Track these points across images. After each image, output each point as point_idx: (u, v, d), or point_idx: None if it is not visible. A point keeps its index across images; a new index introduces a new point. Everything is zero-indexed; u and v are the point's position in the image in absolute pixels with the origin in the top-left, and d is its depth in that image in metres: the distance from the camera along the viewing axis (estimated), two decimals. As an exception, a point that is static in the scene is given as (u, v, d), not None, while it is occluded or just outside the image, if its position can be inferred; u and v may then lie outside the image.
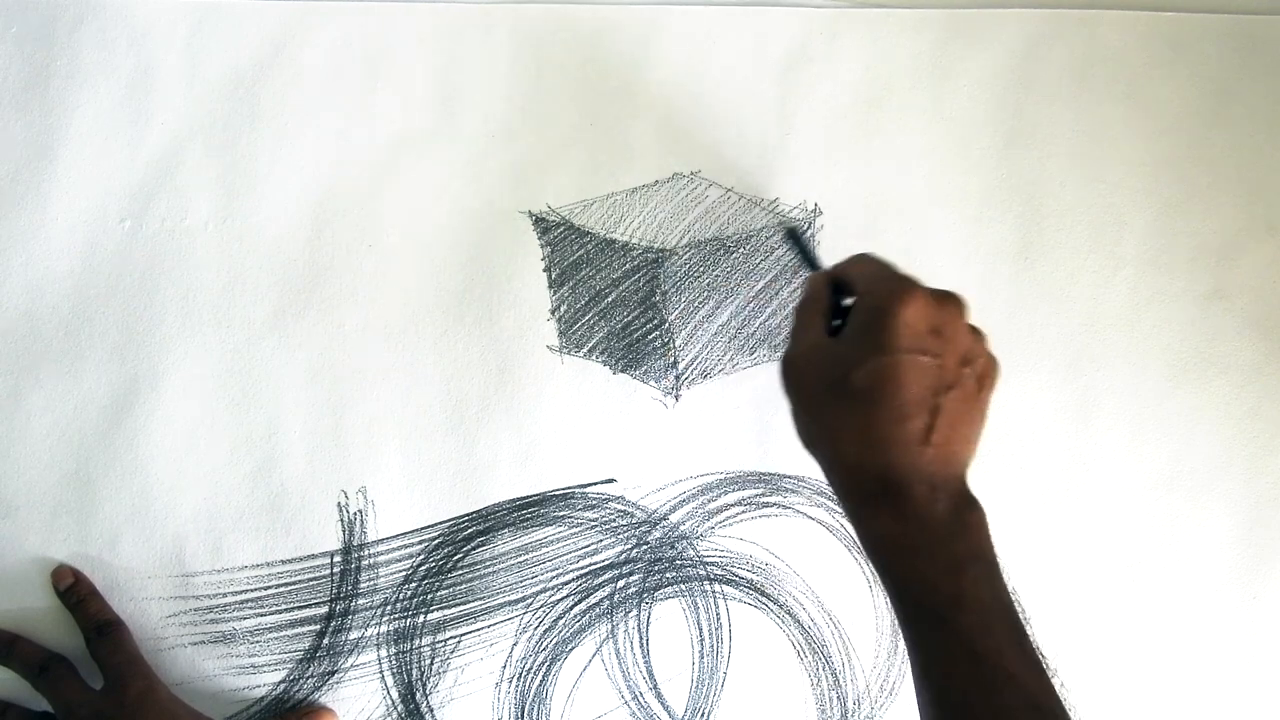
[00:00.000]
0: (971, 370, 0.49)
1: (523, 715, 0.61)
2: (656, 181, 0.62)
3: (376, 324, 0.60)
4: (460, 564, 0.61)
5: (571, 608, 0.62)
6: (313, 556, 0.60)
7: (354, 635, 0.60)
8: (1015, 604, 0.47)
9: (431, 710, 0.61)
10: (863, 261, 0.53)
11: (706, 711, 0.62)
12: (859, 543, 0.49)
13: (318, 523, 0.60)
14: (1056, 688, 0.45)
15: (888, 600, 0.48)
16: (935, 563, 0.46)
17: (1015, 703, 0.44)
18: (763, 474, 0.62)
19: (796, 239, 0.61)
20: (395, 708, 0.61)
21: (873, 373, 0.47)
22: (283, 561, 0.60)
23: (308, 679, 0.60)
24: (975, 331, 0.50)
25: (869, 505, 0.48)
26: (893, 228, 0.63)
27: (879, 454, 0.47)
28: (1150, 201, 0.64)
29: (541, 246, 0.61)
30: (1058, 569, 0.64)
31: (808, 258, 0.61)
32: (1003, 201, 0.64)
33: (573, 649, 0.62)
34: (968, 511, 0.47)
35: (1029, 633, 0.46)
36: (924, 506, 0.46)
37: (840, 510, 0.62)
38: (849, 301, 0.51)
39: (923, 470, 0.47)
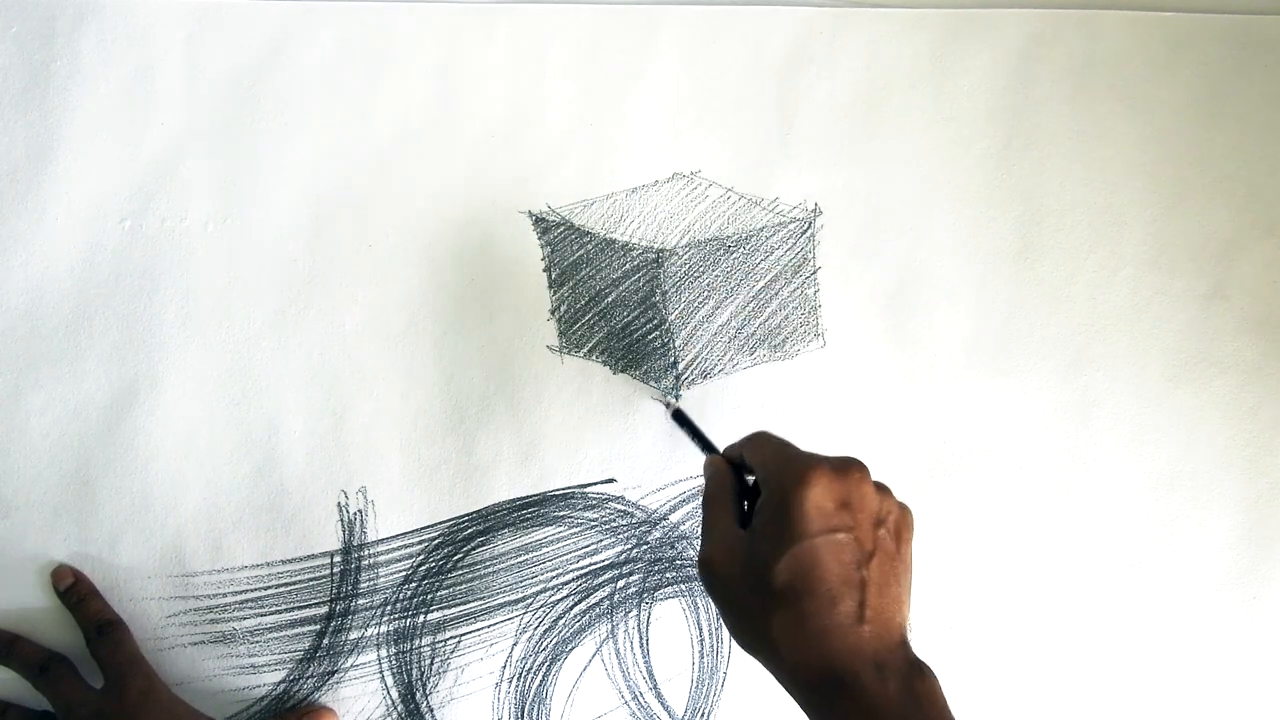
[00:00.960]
0: (886, 530, 0.48)
1: (523, 715, 0.61)
2: (656, 181, 0.62)
3: (376, 324, 0.60)
4: (460, 564, 0.61)
5: (571, 608, 0.62)
6: (313, 556, 0.60)
7: (354, 635, 0.60)
8: None
9: (431, 710, 0.61)
10: (760, 444, 0.51)
11: (706, 711, 0.62)
12: None
13: (318, 523, 0.60)
14: None
15: None
16: None
17: None
18: (763, 474, 0.62)
19: (686, 421, 0.59)
20: (395, 708, 0.61)
21: (790, 565, 0.45)
22: (283, 561, 0.60)
23: (308, 679, 0.60)
24: (880, 488, 0.49)
25: (821, 703, 0.46)
26: (893, 228, 0.63)
27: (818, 648, 0.45)
28: (1150, 201, 0.64)
29: (541, 246, 0.61)
30: (1058, 569, 0.64)
31: (699, 438, 0.59)
32: (1003, 201, 0.64)
33: (573, 649, 0.62)
34: (919, 683, 0.46)
35: None
36: (875, 692, 0.44)
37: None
38: (754, 480, 0.50)
39: (865, 653, 0.45)
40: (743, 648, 0.49)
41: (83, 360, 0.59)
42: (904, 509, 0.49)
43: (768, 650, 0.47)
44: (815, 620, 0.45)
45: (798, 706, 0.46)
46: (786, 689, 0.48)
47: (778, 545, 0.46)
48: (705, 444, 0.58)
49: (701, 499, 0.52)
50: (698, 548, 0.62)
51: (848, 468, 0.48)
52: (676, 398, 0.61)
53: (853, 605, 0.45)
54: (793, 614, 0.46)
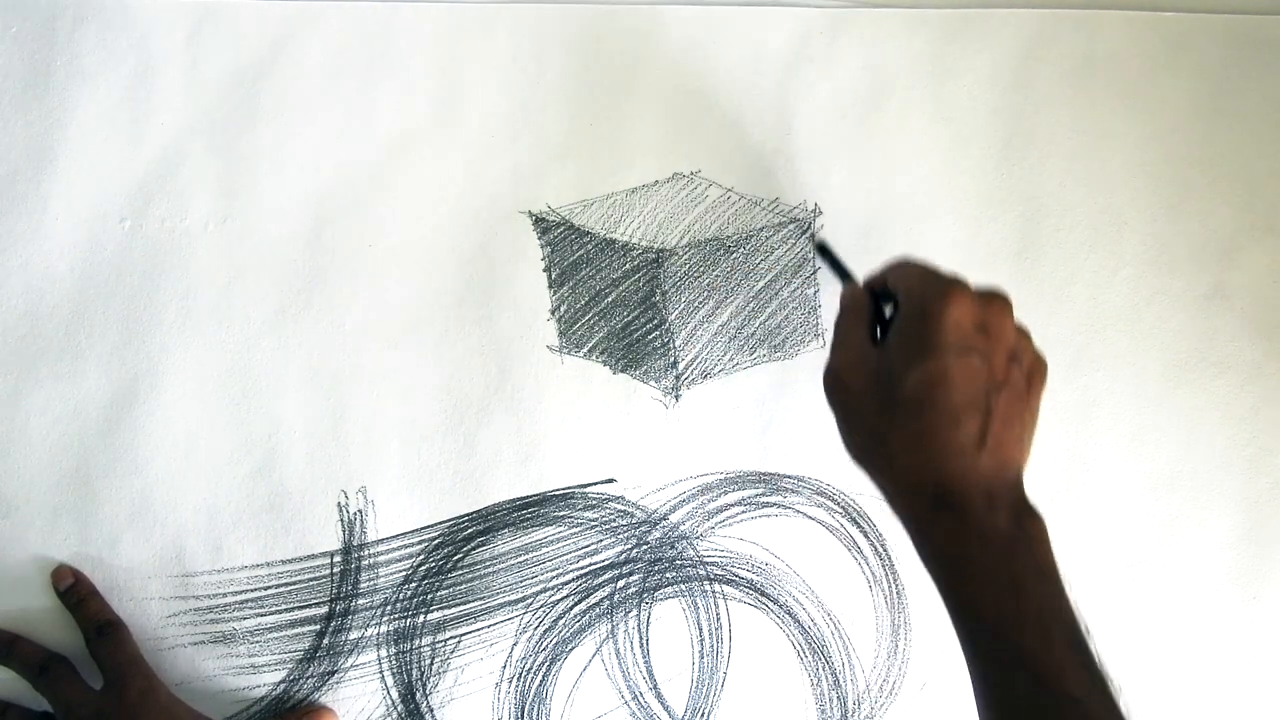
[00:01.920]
0: (1019, 368, 0.47)
1: (523, 715, 0.61)
2: (656, 181, 0.62)
3: (376, 324, 0.60)
4: (460, 564, 0.61)
5: (571, 608, 0.62)
6: (313, 556, 0.60)
7: (354, 635, 0.60)
8: (1079, 620, 0.45)
9: (431, 710, 0.61)
10: (903, 266, 0.51)
11: (706, 711, 0.62)
12: (916, 555, 0.47)
13: (318, 523, 0.60)
14: (1123, 709, 0.43)
15: (948, 617, 0.46)
16: (995, 579, 0.44)
17: None
18: (763, 474, 0.62)
19: (827, 252, 0.61)
20: (395, 708, 0.61)
21: (922, 377, 0.45)
22: (283, 561, 0.60)
23: (308, 679, 0.60)
24: (1021, 330, 0.49)
25: (926, 518, 0.46)
26: (893, 228, 0.63)
27: (934, 463, 0.45)
28: (1150, 201, 0.64)
29: (541, 246, 0.61)
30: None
31: (840, 269, 0.60)
32: (1003, 201, 0.64)
33: (573, 649, 0.62)
34: (1028, 521, 0.45)
35: (1094, 651, 0.44)
36: (983, 518, 0.44)
37: (840, 510, 0.63)
38: (889, 310, 0.50)
39: (979, 478, 0.45)
40: (854, 460, 0.49)
41: (83, 360, 0.59)
42: (1040, 357, 0.49)
43: (882, 463, 0.47)
44: (935, 437, 0.45)
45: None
46: (891, 504, 0.48)
47: (911, 356, 0.46)
48: (845, 274, 0.59)
49: (835, 320, 0.52)
50: (698, 547, 0.62)
51: (991, 296, 0.48)
52: (820, 228, 0.61)
53: (975, 430, 0.45)
54: (914, 427, 0.46)
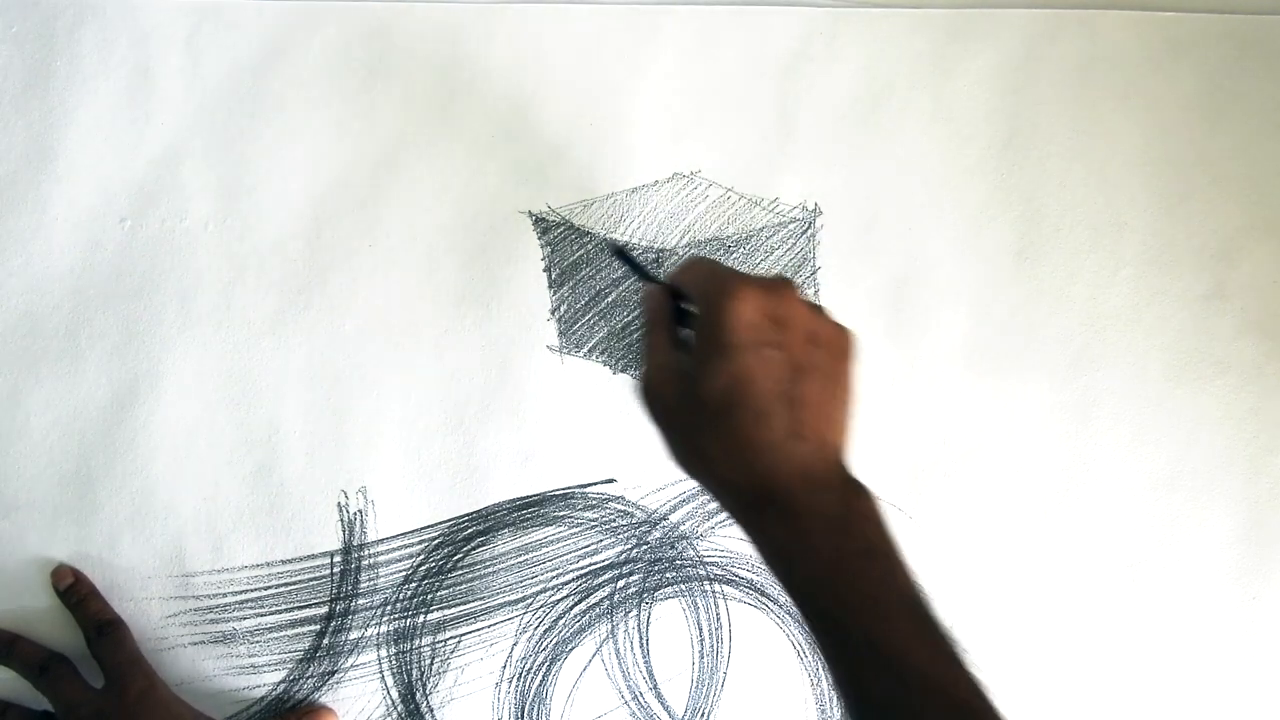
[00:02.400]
0: (820, 349, 0.47)
1: (523, 715, 0.61)
2: (656, 181, 0.62)
3: (376, 324, 0.60)
4: (460, 564, 0.61)
5: (571, 608, 0.62)
6: (313, 556, 0.60)
7: (354, 635, 0.60)
8: (919, 590, 0.44)
9: (431, 710, 0.61)
10: (691, 266, 0.50)
11: (706, 711, 0.62)
12: (759, 556, 0.47)
13: (318, 523, 0.60)
14: (971, 674, 0.43)
15: (797, 610, 0.46)
16: (827, 563, 0.44)
17: (929, 699, 0.42)
18: (763, 474, 0.62)
19: (625, 256, 0.59)
20: (395, 708, 0.61)
21: (722, 381, 0.45)
22: (283, 561, 0.60)
23: (308, 679, 0.60)
24: (815, 308, 0.48)
25: (756, 517, 0.46)
26: (893, 228, 0.63)
27: (751, 462, 0.45)
28: (1150, 201, 0.64)
29: (541, 246, 0.61)
30: (1058, 569, 0.64)
31: (640, 272, 0.59)
32: (1003, 201, 0.64)
33: (573, 649, 0.62)
34: (855, 500, 0.45)
35: (937, 620, 0.44)
36: (807, 506, 0.44)
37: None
38: (692, 308, 0.50)
39: (798, 468, 0.45)
40: (682, 469, 0.48)
41: (83, 360, 0.59)
42: (842, 330, 0.49)
43: (703, 468, 0.47)
44: (747, 434, 0.45)
45: (738, 526, 0.46)
46: (724, 507, 0.47)
47: (709, 360, 0.46)
48: (646, 276, 0.58)
49: (641, 324, 0.51)
50: (698, 547, 0.62)
51: (777, 284, 0.47)
52: (619, 243, 0.60)
53: (785, 421, 0.45)
54: (725, 429, 0.45)
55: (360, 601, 0.60)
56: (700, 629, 0.62)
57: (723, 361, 0.45)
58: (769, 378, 0.45)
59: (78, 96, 0.59)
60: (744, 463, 0.45)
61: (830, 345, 0.48)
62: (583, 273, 0.62)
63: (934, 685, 0.42)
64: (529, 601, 0.61)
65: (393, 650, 0.61)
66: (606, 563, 0.62)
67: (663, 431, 0.48)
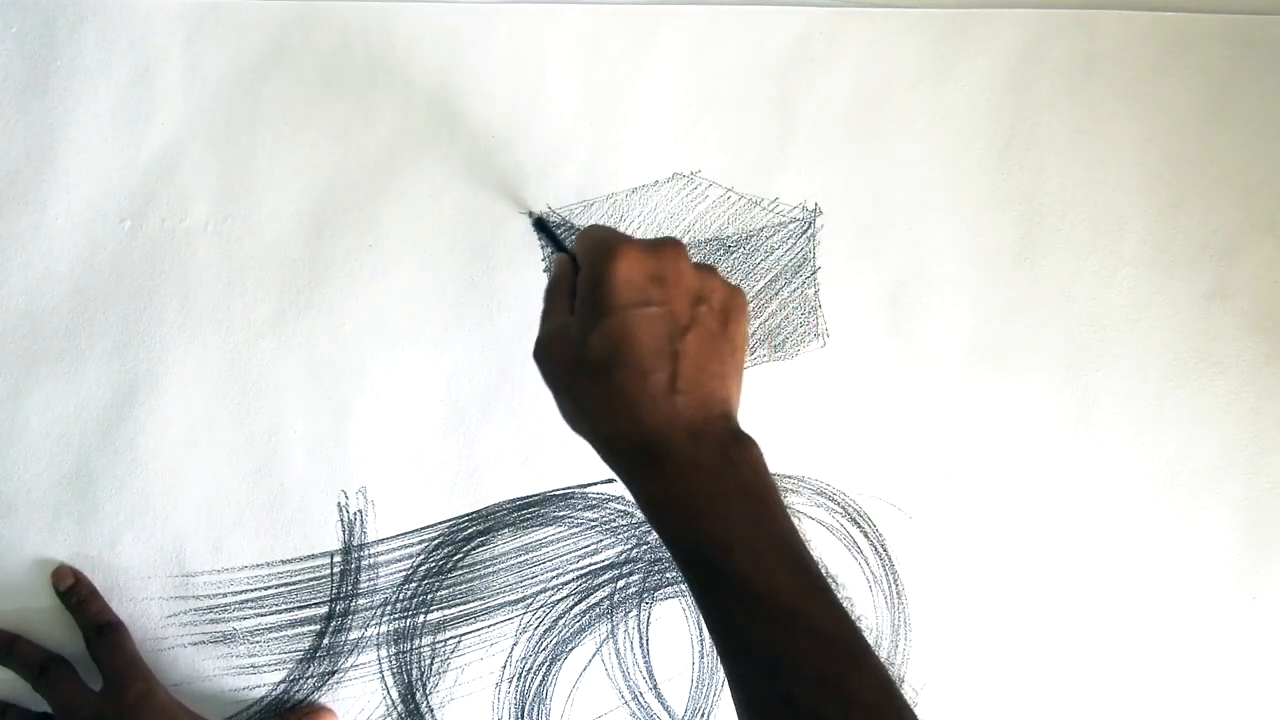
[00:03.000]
0: (708, 307, 0.48)
1: (523, 715, 0.61)
2: (656, 181, 0.62)
3: (376, 324, 0.60)
4: (460, 564, 0.61)
5: (571, 608, 0.62)
6: (313, 556, 0.60)
7: (354, 635, 0.60)
8: (796, 531, 0.45)
9: (431, 710, 0.61)
10: (584, 233, 0.51)
11: (706, 711, 0.62)
12: (640, 511, 0.47)
13: (318, 523, 0.60)
14: (845, 610, 0.43)
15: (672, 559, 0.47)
16: (700, 510, 0.44)
17: (796, 634, 0.42)
18: (763, 474, 0.62)
19: (544, 227, 0.60)
20: (395, 708, 0.60)
21: (602, 338, 0.46)
22: (283, 561, 0.60)
23: (308, 679, 0.60)
24: (704, 268, 0.49)
25: (636, 470, 0.46)
26: (893, 228, 0.63)
27: (632, 417, 0.46)
28: (1150, 201, 0.64)
29: (541, 247, 0.61)
30: (1058, 569, 0.64)
31: (555, 243, 0.60)
32: (1003, 201, 0.64)
33: (573, 649, 0.62)
34: (736, 449, 0.46)
35: (811, 561, 0.44)
36: (688, 457, 0.45)
37: (840, 510, 0.63)
38: None
39: (679, 422, 0.45)
40: (572, 429, 0.49)
41: (83, 360, 0.59)
42: (732, 290, 0.49)
43: (588, 426, 0.48)
44: (628, 391, 0.46)
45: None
46: (607, 464, 0.48)
47: (590, 321, 0.46)
48: (560, 247, 0.59)
49: (544, 293, 0.52)
50: (698, 548, 0.62)
51: (661, 245, 0.48)
52: (539, 214, 0.61)
53: (664, 377, 0.46)
54: (606, 386, 0.46)
55: (360, 601, 0.60)
56: (700, 629, 0.62)
57: (603, 320, 0.46)
58: (650, 335, 0.46)
59: (78, 96, 0.59)
60: (624, 419, 0.46)
61: (717, 304, 0.48)
62: (583, 273, 0.61)
63: (804, 621, 0.42)
64: (529, 601, 0.61)
65: (393, 650, 0.61)
66: (606, 563, 0.62)
67: (554, 391, 0.49)
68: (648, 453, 0.45)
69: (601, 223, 0.51)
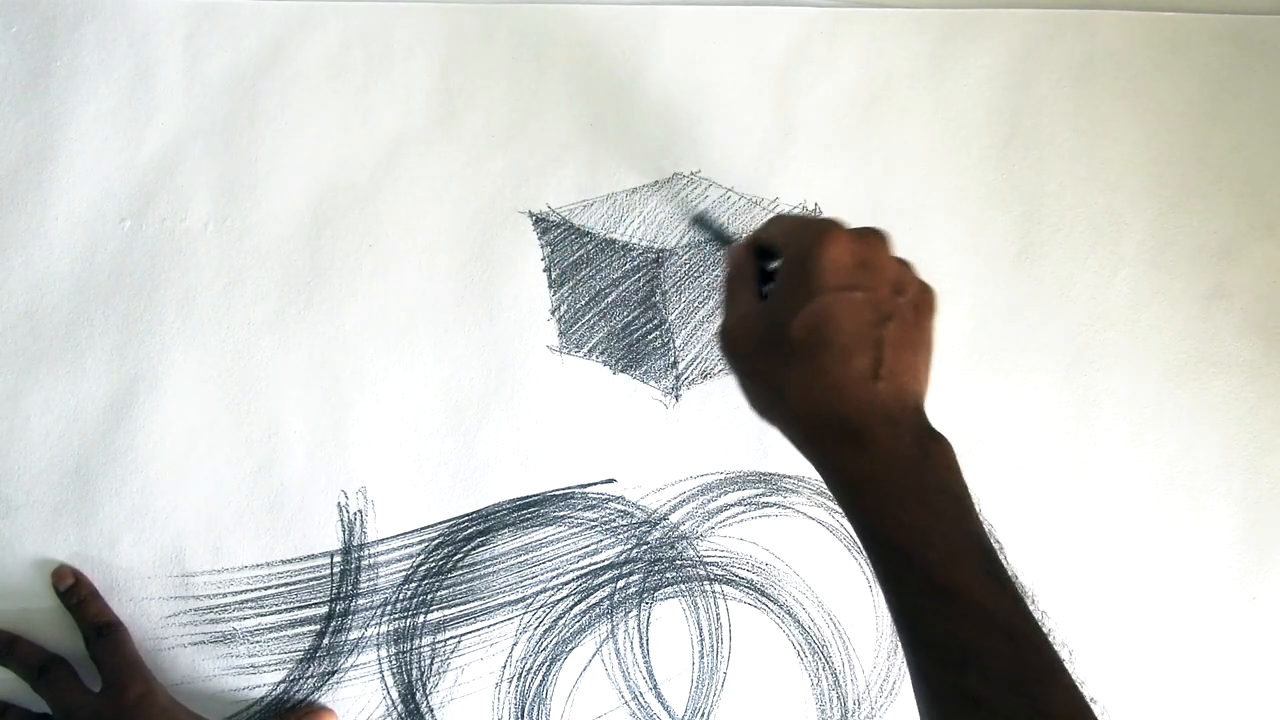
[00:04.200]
0: (906, 299, 0.48)
1: (523, 715, 0.61)
2: (656, 181, 0.62)
3: (376, 324, 0.60)
4: (460, 564, 0.61)
5: (571, 608, 0.62)
6: (313, 556, 0.60)
7: (354, 635, 0.60)
8: (989, 536, 0.45)
9: (431, 710, 0.61)
10: (778, 219, 0.52)
11: (706, 711, 0.62)
12: (829, 491, 0.48)
13: (318, 523, 0.60)
14: (1037, 616, 0.43)
15: (861, 544, 0.47)
16: (900, 499, 0.44)
17: (990, 634, 0.42)
18: (763, 474, 0.62)
19: (706, 222, 0.61)
20: (395, 708, 0.60)
21: (809, 319, 0.46)
22: (283, 561, 0.60)
23: (308, 679, 0.60)
24: (902, 262, 0.49)
25: (834, 450, 0.46)
26: (892, 228, 0.62)
27: (833, 400, 0.46)
28: (1150, 201, 0.64)
29: (541, 246, 0.61)
30: (1058, 569, 0.64)
31: (721, 236, 0.61)
32: (1003, 201, 0.64)
33: (573, 649, 0.62)
34: (931, 444, 0.46)
35: (1004, 563, 0.44)
36: (886, 443, 0.45)
37: (840, 510, 0.62)
38: (774, 265, 0.51)
39: (879, 407, 0.45)
40: (760, 415, 0.49)
41: (83, 360, 0.59)
42: (926, 286, 0.50)
43: (783, 409, 0.48)
44: (830, 374, 0.46)
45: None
46: (800, 449, 0.48)
47: (796, 301, 0.47)
48: (726, 239, 0.60)
49: (722, 282, 0.52)
50: (698, 547, 0.62)
51: (868, 232, 0.48)
52: (698, 212, 0.62)
53: (868, 362, 0.46)
54: (808, 369, 0.46)
55: (360, 601, 0.60)
56: (700, 629, 0.62)
57: (811, 301, 0.46)
58: (855, 319, 0.46)
59: (78, 96, 0.59)
60: (825, 399, 0.46)
61: (913, 297, 0.48)
62: (583, 273, 0.62)
63: (998, 623, 0.42)
64: (529, 601, 0.61)
65: (393, 650, 0.61)
66: (606, 563, 0.62)
67: (743, 376, 0.49)
68: (847, 434, 0.45)
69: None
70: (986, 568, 0.44)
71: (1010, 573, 0.44)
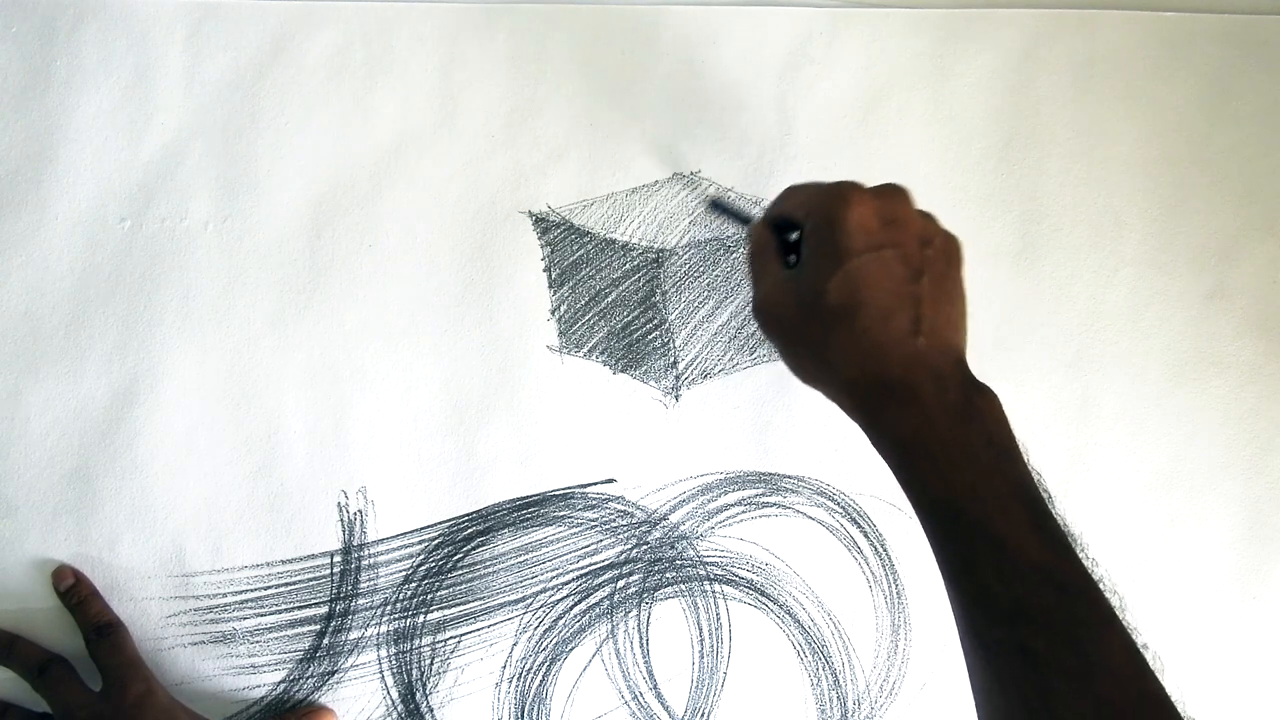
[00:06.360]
0: (934, 250, 0.48)
1: (523, 715, 0.61)
2: (656, 181, 0.62)
3: (376, 324, 0.60)
4: (460, 564, 0.61)
5: (571, 608, 0.62)
6: (313, 556, 0.60)
7: (354, 635, 0.60)
8: (1039, 486, 0.45)
9: (431, 710, 0.61)
10: (795, 189, 0.52)
11: (706, 711, 0.62)
12: (876, 452, 0.47)
13: (318, 523, 0.60)
14: (1086, 566, 0.43)
15: (911, 504, 0.46)
16: (948, 453, 0.44)
17: (1040, 586, 0.42)
18: (763, 474, 0.62)
19: (722, 206, 0.61)
20: (395, 708, 0.60)
21: (843, 284, 0.46)
22: (283, 561, 0.60)
23: (308, 679, 0.60)
24: (925, 214, 0.49)
25: (881, 411, 0.46)
26: (893, 228, 0.63)
27: (876, 360, 0.46)
28: (1150, 201, 0.64)
29: (541, 246, 0.61)
30: (1058, 569, 0.64)
31: (739, 217, 0.61)
32: (1003, 201, 0.64)
33: (573, 649, 0.62)
34: (977, 396, 0.46)
35: (1055, 513, 0.44)
36: (933, 398, 0.45)
37: (840, 510, 0.63)
38: (794, 236, 0.51)
39: (922, 363, 0.46)
40: (805, 381, 0.50)
41: (83, 360, 0.59)
42: (950, 235, 0.49)
43: (828, 375, 0.48)
44: (871, 335, 0.46)
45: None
46: (843, 408, 0.48)
47: (827, 267, 0.47)
48: (744, 219, 0.60)
49: (747, 260, 0.52)
50: (698, 547, 0.62)
51: (888, 188, 0.48)
52: (715, 196, 0.62)
53: (907, 319, 0.46)
54: (848, 331, 0.46)
55: (360, 601, 0.60)
56: (700, 629, 0.62)
57: (843, 265, 0.46)
58: (889, 277, 0.46)
59: (78, 96, 0.59)
60: (869, 361, 0.46)
61: (941, 247, 0.48)
62: (583, 273, 0.62)
63: (1049, 574, 0.42)
64: (529, 601, 0.61)
65: (393, 650, 0.61)
66: (606, 563, 0.62)
67: (784, 346, 0.50)
68: (891, 393, 0.45)
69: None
70: (1035, 519, 0.44)
71: (1060, 522, 0.44)
